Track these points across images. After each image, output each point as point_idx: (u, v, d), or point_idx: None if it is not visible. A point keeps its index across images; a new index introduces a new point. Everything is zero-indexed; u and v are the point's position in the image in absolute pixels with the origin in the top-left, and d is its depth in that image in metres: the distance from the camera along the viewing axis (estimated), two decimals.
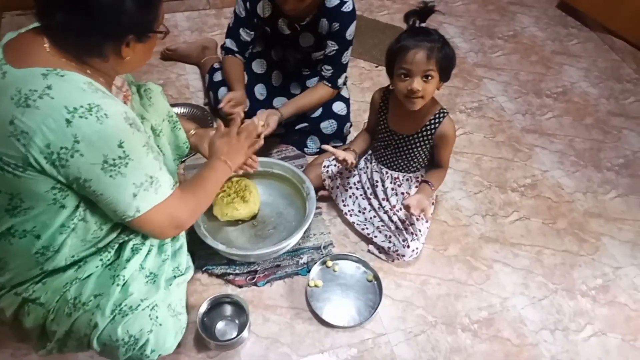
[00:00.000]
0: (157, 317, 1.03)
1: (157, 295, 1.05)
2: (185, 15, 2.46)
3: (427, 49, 1.26)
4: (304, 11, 1.57)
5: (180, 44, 2.19)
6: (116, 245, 1.07)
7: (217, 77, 1.90)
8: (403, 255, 1.51)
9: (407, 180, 1.56)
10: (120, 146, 0.88)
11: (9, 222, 0.92)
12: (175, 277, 1.13)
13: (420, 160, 1.52)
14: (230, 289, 1.47)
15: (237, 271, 1.50)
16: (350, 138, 1.89)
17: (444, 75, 1.33)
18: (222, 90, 1.86)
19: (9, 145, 0.84)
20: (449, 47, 1.31)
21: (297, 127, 1.84)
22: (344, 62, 1.71)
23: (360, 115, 2.03)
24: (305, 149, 1.89)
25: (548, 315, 1.47)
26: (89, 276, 1.03)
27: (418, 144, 1.48)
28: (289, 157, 1.86)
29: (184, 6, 2.48)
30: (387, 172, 1.58)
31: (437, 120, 1.43)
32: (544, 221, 1.73)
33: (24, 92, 0.84)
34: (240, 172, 1.45)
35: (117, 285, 1.01)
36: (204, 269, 1.50)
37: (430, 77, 1.30)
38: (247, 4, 1.66)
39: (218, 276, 1.49)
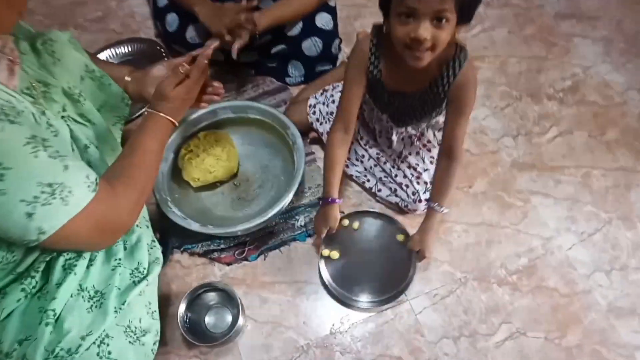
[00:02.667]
0: (109, 353, 0.79)
1: (105, 323, 0.80)
2: None
3: None
4: None
5: None
6: (42, 266, 0.81)
7: (162, 0, 1.49)
8: (415, 210, 1.23)
9: (418, 128, 1.19)
10: None
11: None
12: (135, 283, 0.87)
13: (435, 113, 1.10)
14: (217, 268, 1.24)
15: (222, 246, 1.25)
16: (341, 58, 1.52)
17: (465, 16, 0.85)
18: (171, 18, 1.45)
19: None
20: None
21: (274, 50, 1.46)
22: None
23: (350, 25, 1.62)
24: (287, 79, 1.52)
25: (601, 254, 1.22)
26: (10, 314, 0.79)
27: (430, 102, 1.05)
28: (268, 91, 1.51)
29: None
30: (392, 128, 1.19)
31: (452, 71, 0.97)
32: (590, 133, 1.40)
33: None
34: (203, 105, 1.10)
35: (47, 324, 0.76)
36: (182, 249, 1.25)
37: (444, 21, 0.82)
38: None
39: (201, 255, 1.25)
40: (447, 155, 1.06)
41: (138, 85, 1.08)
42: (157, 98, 0.94)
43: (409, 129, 1.19)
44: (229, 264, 1.24)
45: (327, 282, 1.19)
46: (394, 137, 1.21)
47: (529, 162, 1.35)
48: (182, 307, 1.09)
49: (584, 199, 1.29)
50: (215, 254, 1.24)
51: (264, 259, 1.24)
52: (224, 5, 1.29)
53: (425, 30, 0.83)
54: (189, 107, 1.01)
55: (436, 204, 1.09)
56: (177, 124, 0.95)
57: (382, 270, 1.20)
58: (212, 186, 1.31)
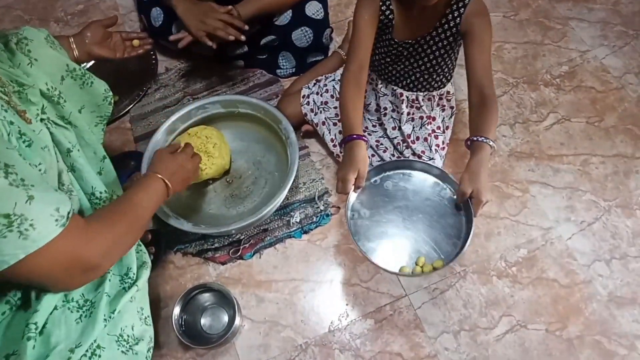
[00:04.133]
0: None
1: (95, 332, 0.76)
2: None
3: None
4: None
5: None
6: None
7: None
8: None
9: (428, 99, 1.15)
10: None
11: None
12: (125, 289, 0.84)
13: (446, 69, 1.08)
14: (211, 268, 1.21)
15: (216, 245, 1.22)
16: (332, 48, 1.48)
17: None
18: (156, 13, 1.41)
19: None
20: None
21: (263, 42, 1.42)
22: None
23: (341, 13, 1.58)
24: (278, 71, 1.48)
25: (601, 243, 1.20)
26: None
27: (439, 46, 1.02)
28: (259, 84, 1.47)
29: None
30: (401, 95, 1.15)
31: (461, 4, 0.95)
32: (588, 120, 1.37)
33: None
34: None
35: (29, 338, 0.71)
36: (175, 249, 1.22)
37: None
38: None
39: (194, 254, 1.22)
40: (479, 100, 0.96)
41: (82, 46, 1.06)
42: (154, 161, 0.97)
43: (420, 100, 1.15)
44: (223, 263, 1.21)
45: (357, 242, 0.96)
46: (404, 108, 1.17)
47: (526, 151, 1.33)
48: (176, 310, 1.07)
49: (583, 187, 1.27)
50: (210, 254, 1.21)
51: (260, 257, 1.22)
52: (203, 4, 1.25)
53: None
54: (188, 182, 1.03)
55: (482, 137, 0.92)
56: (169, 185, 0.92)
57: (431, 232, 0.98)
58: (204, 184, 1.28)
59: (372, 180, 1.04)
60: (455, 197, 0.99)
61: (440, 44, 1.03)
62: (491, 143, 0.93)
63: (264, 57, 1.47)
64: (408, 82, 1.14)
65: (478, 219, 1.23)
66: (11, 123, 0.71)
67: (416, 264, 0.96)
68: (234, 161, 1.31)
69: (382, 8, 1.01)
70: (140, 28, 1.57)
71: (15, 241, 0.61)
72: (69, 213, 0.68)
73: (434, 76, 1.10)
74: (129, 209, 0.82)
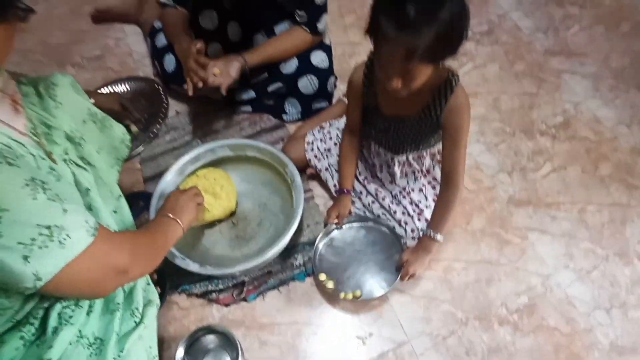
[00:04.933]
0: None
1: None
2: None
3: (407, 49, 0.82)
4: None
5: (113, 0, 1.76)
6: (40, 313, 0.79)
7: (161, 40, 1.51)
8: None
9: (419, 157, 1.20)
10: None
11: None
12: (134, 328, 0.86)
13: (432, 140, 1.13)
14: (215, 309, 1.22)
15: (220, 286, 1.23)
16: (336, 96, 1.54)
17: (437, 62, 0.89)
18: (169, 59, 1.48)
19: None
20: (455, 25, 0.83)
21: (270, 88, 1.48)
22: (320, 3, 1.32)
23: (346, 63, 1.65)
24: (284, 116, 1.54)
25: (600, 291, 1.22)
26: None
27: (426, 127, 1.08)
28: (265, 129, 1.52)
29: None
30: (392, 157, 1.21)
31: (443, 96, 1.00)
32: (584, 169, 1.42)
33: None
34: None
35: None
36: (180, 290, 1.23)
37: (413, 76, 0.89)
38: None
39: (199, 296, 1.23)
40: (446, 183, 1.10)
41: (105, 103, 1.16)
42: (166, 201, 1.05)
43: (411, 160, 1.20)
44: (227, 305, 1.22)
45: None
46: (396, 169, 1.22)
47: (524, 198, 1.37)
48: (180, 351, 1.07)
49: (581, 235, 1.30)
50: (214, 295, 1.23)
51: (263, 299, 1.23)
52: (189, 44, 1.30)
53: (395, 83, 0.90)
54: (194, 215, 1.06)
55: (431, 231, 1.13)
56: (180, 223, 0.99)
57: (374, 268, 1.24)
58: (210, 225, 1.30)
59: (348, 225, 1.30)
60: (387, 234, 1.27)
61: (424, 127, 1.08)
62: (438, 238, 1.13)
63: (271, 102, 1.53)
64: (397, 147, 1.18)
65: (480, 265, 1.26)
66: (43, 159, 0.76)
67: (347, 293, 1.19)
68: (240, 203, 1.34)
69: (366, 94, 1.09)
70: (152, 73, 1.64)
71: (55, 250, 0.66)
72: (96, 224, 0.73)
73: (423, 144, 1.15)
74: (146, 232, 0.93)
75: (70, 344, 0.78)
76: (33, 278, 0.66)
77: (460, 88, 1.00)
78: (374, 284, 1.21)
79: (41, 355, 0.76)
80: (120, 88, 1.58)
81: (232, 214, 1.32)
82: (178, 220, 0.99)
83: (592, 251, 1.28)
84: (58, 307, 0.80)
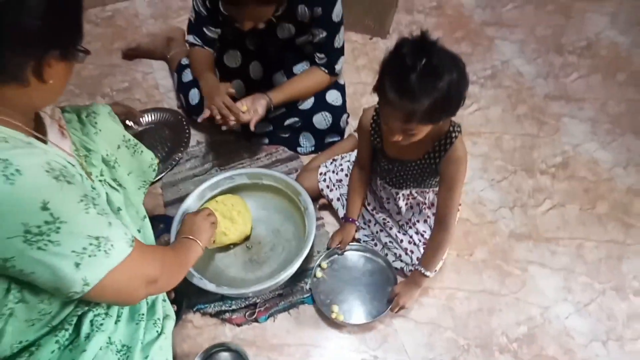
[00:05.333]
0: None
1: None
2: (145, 0, 2.16)
3: (406, 113, 0.94)
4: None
5: (142, 37, 1.90)
6: (74, 319, 0.86)
7: (187, 76, 1.63)
8: None
9: (422, 192, 1.29)
10: (44, 208, 0.67)
11: None
12: (156, 337, 0.93)
13: (434, 181, 1.21)
14: (227, 329, 1.28)
15: (233, 307, 1.30)
16: (348, 131, 1.64)
17: (441, 120, 1.00)
18: (194, 93, 1.60)
19: None
20: (453, 93, 0.93)
21: (287, 122, 1.59)
22: (338, 46, 1.44)
23: (357, 101, 1.77)
24: (299, 148, 1.64)
25: (597, 324, 1.27)
26: None
27: (426, 171, 1.17)
28: (280, 160, 1.62)
29: None
30: (397, 192, 1.29)
31: (443, 147, 1.09)
32: (582, 207, 1.49)
33: None
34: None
35: None
36: (195, 309, 1.30)
37: (413, 133, 1.00)
38: (207, 2, 1.39)
39: (212, 315, 1.29)
40: (439, 225, 1.18)
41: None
42: (183, 224, 1.15)
43: (414, 193, 1.28)
44: (239, 325, 1.28)
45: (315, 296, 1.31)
46: (401, 202, 1.30)
47: (525, 233, 1.43)
48: None
49: (579, 269, 1.36)
50: (227, 315, 1.29)
51: (274, 321, 1.29)
52: (218, 85, 1.40)
53: (396, 137, 1.01)
54: (210, 234, 1.16)
55: (422, 268, 1.21)
56: (199, 242, 1.08)
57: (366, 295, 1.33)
58: (225, 247, 1.38)
59: (349, 252, 1.40)
60: (384, 267, 1.35)
61: (424, 171, 1.17)
62: (428, 275, 1.21)
63: (287, 135, 1.64)
64: (400, 185, 1.26)
65: (482, 295, 1.31)
66: (85, 179, 0.85)
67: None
68: (255, 228, 1.42)
69: (372, 137, 1.21)
70: (177, 105, 1.76)
71: (102, 259, 0.74)
72: (132, 236, 0.81)
73: (424, 184, 1.23)
74: (170, 248, 1.01)
75: (101, 349, 0.85)
76: (82, 283, 0.73)
77: (460, 141, 1.09)
78: (364, 310, 1.29)
79: (75, 358, 0.82)
80: (146, 118, 1.69)
81: (247, 238, 1.40)
82: (197, 241, 1.07)
83: (589, 285, 1.33)
84: (90, 315, 0.87)
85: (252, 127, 1.37)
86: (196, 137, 1.67)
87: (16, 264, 0.68)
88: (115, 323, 0.89)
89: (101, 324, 0.86)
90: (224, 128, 1.39)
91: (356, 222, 1.37)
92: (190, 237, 1.08)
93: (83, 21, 0.78)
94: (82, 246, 0.72)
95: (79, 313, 0.87)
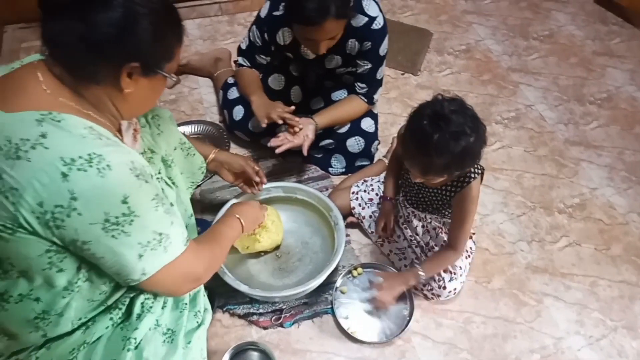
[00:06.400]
0: None
1: (176, 356, 0.92)
2: (196, 22, 2.33)
3: (423, 166, 1.08)
4: None
5: (192, 55, 2.05)
6: (127, 300, 0.95)
7: (232, 94, 1.76)
8: (439, 296, 1.36)
9: (435, 218, 1.38)
10: (124, 202, 0.76)
11: (1, 287, 0.80)
12: (197, 327, 1.00)
13: (447, 213, 1.32)
14: (254, 331, 1.34)
15: (261, 310, 1.37)
16: (377, 156, 1.74)
17: (457, 173, 1.12)
18: (238, 109, 1.72)
19: None
20: (468, 154, 1.04)
21: (321, 143, 1.70)
22: (379, 78, 1.56)
23: (387, 130, 1.88)
24: (330, 169, 1.74)
25: (608, 358, 1.31)
26: (98, 339, 0.91)
27: (440, 200, 1.28)
28: (312, 178, 1.72)
29: (194, 13, 2.34)
30: (413, 212, 1.40)
31: (460, 184, 1.20)
32: (597, 247, 1.56)
33: (14, 142, 0.72)
34: (253, 191, 1.42)
35: (129, 350, 0.88)
36: (224, 309, 1.37)
37: (431, 180, 1.14)
38: (265, 35, 1.53)
39: (240, 316, 1.36)
40: (449, 246, 1.29)
41: (217, 167, 1.36)
42: (238, 206, 1.25)
43: (429, 218, 1.37)
44: (265, 328, 1.35)
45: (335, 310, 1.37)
46: (416, 222, 1.40)
47: (541, 267, 1.50)
48: (225, 358, 1.19)
49: (592, 305, 1.42)
50: (254, 317, 1.36)
51: (298, 327, 1.35)
52: (275, 102, 1.53)
53: (416, 179, 1.14)
54: (256, 222, 1.31)
55: (420, 268, 1.28)
56: (243, 224, 1.18)
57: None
58: (256, 254, 1.46)
59: (369, 270, 1.46)
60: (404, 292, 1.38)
61: (440, 201, 1.28)
62: (422, 275, 1.28)
63: (320, 156, 1.74)
64: (418, 205, 1.36)
65: (498, 321, 1.37)
66: (155, 178, 0.95)
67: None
68: (285, 239, 1.50)
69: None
70: (219, 120, 1.88)
71: (161, 253, 0.82)
72: (187, 237, 0.89)
73: (437, 212, 1.33)
74: (218, 238, 1.08)
75: (150, 329, 0.93)
76: (140, 272, 0.82)
77: (477, 182, 1.19)
78: (378, 328, 1.35)
79: (127, 335, 0.90)
80: (189, 129, 1.81)
81: (277, 247, 1.48)
82: (241, 221, 1.17)
83: (602, 321, 1.39)
84: (141, 297, 0.95)
85: (304, 152, 1.48)
86: (235, 150, 1.79)
87: (91, 248, 0.76)
88: (162, 308, 0.97)
89: (150, 307, 0.94)
90: (278, 150, 1.47)
91: (392, 201, 1.43)
92: (237, 215, 1.17)
93: (175, 48, 0.85)
94: (147, 240, 0.80)
95: (131, 295, 0.95)
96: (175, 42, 0.87)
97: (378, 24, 1.43)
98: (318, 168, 1.75)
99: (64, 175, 0.71)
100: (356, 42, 1.46)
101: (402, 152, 1.14)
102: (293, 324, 1.36)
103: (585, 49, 2.31)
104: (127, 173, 0.77)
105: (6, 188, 0.70)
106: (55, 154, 0.71)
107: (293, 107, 1.49)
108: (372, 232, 1.50)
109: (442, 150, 1.02)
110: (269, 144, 1.49)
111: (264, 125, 1.46)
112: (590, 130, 1.94)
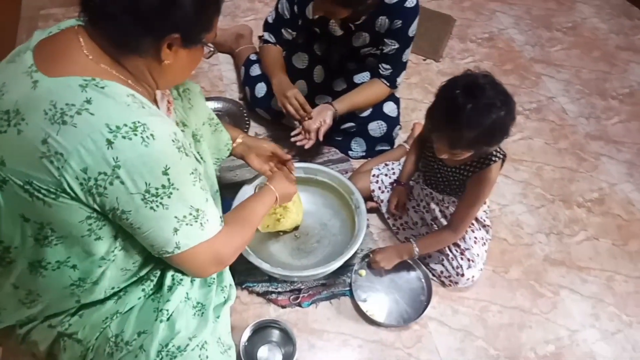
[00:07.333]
0: (207, 357, 0.90)
1: (206, 329, 0.92)
2: None
3: (452, 139, 1.07)
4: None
5: None
6: (158, 272, 0.95)
7: (255, 70, 1.74)
8: (456, 283, 1.37)
9: (453, 202, 1.38)
10: (165, 173, 0.76)
11: (39, 253, 0.80)
12: (224, 302, 1.01)
13: (460, 192, 1.31)
14: (272, 309, 1.35)
15: (279, 289, 1.37)
16: (398, 141, 1.73)
17: (485, 149, 1.12)
18: (260, 86, 1.70)
19: (41, 168, 0.71)
20: (497, 129, 1.04)
21: (343, 126, 1.68)
22: (405, 61, 1.54)
23: (408, 115, 1.86)
24: (350, 152, 1.73)
25: (623, 353, 1.33)
26: (130, 309, 0.91)
27: (457, 180, 1.27)
28: (331, 160, 1.71)
29: None
30: (431, 193, 1.41)
31: (478, 165, 1.19)
32: (614, 242, 1.56)
33: (59, 107, 0.71)
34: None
35: (161, 321, 0.88)
36: (244, 286, 1.38)
37: (457, 155, 1.13)
38: (295, 7, 1.50)
39: (259, 294, 1.37)
40: (450, 226, 1.30)
41: (244, 151, 1.34)
42: (274, 178, 1.25)
43: (447, 203, 1.37)
44: (283, 307, 1.35)
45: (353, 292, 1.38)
46: (433, 205, 1.40)
47: (559, 259, 1.51)
48: (245, 334, 1.21)
49: (607, 299, 1.43)
50: (273, 296, 1.36)
51: (316, 308, 1.36)
52: (290, 84, 1.52)
53: (442, 154, 1.14)
54: (287, 200, 1.31)
55: (416, 244, 1.32)
56: (278, 199, 1.19)
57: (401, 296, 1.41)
58: (276, 234, 1.46)
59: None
60: (421, 278, 1.42)
61: (456, 180, 1.28)
62: (416, 251, 1.32)
63: (340, 139, 1.73)
64: (434, 185, 1.37)
65: (513, 311, 1.38)
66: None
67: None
68: (304, 220, 1.50)
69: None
70: (239, 97, 1.86)
71: (197, 229, 0.82)
72: (222, 216, 0.89)
73: (452, 193, 1.33)
74: (250, 217, 1.07)
75: (181, 301, 0.93)
76: (174, 246, 0.82)
77: (496, 166, 1.18)
78: (396, 312, 1.36)
79: (159, 307, 0.90)
80: (209, 105, 1.79)
81: (296, 228, 1.48)
82: (277, 196, 1.18)
83: (617, 316, 1.40)
84: (171, 270, 0.95)
85: (320, 137, 1.48)
86: (255, 129, 1.77)
87: (130, 217, 0.76)
88: (192, 282, 0.97)
89: (181, 279, 0.94)
90: (307, 146, 1.50)
91: (406, 186, 1.44)
92: (272, 187, 1.18)
93: (214, 19, 0.83)
94: (184, 214, 0.80)
95: (162, 267, 0.95)
96: (215, 12, 0.85)
97: (411, 2, 1.41)
98: (338, 151, 1.74)
99: (109, 142, 0.70)
100: (386, 20, 1.44)
101: (430, 125, 1.13)
102: (311, 304, 1.37)
103: (608, 43, 2.28)
104: (169, 144, 0.76)
105: (51, 152, 0.70)
106: (101, 121, 0.71)
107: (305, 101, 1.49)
108: (392, 216, 1.50)
109: (473, 122, 1.02)
110: (293, 140, 1.52)
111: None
112: (611, 125, 1.92)
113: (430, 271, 1.42)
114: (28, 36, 0.84)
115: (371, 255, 1.39)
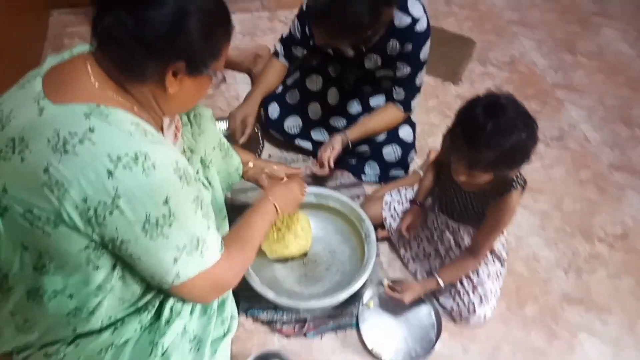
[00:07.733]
0: None
1: None
2: (236, 17, 2.24)
3: (470, 160, 1.04)
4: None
5: (230, 50, 1.99)
6: (157, 303, 0.93)
7: None
8: (467, 320, 1.32)
9: (468, 232, 1.34)
10: (165, 203, 0.75)
11: (37, 281, 0.79)
12: (223, 336, 0.98)
13: (478, 220, 1.27)
14: (276, 338, 1.32)
15: (284, 318, 1.34)
16: (412, 167, 1.69)
17: (505, 172, 1.08)
18: (273, 107, 1.69)
19: (41, 197, 0.71)
20: (518, 151, 1.01)
21: (357, 150, 1.66)
22: (418, 84, 1.51)
23: (424, 140, 1.82)
24: (362, 176, 1.70)
25: None
26: (126, 342, 0.89)
27: (475, 207, 1.24)
28: (344, 185, 1.68)
29: (235, 7, 2.31)
30: (446, 221, 1.37)
31: (499, 192, 1.14)
32: (638, 282, 1.49)
33: (62, 135, 0.71)
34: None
35: (155, 356, 0.86)
36: (248, 313, 1.35)
37: (476, 177, 1.08)
38: (306, 28, 1.50)
39: (264, 322, 1.34)
40: (470, 253, 1.26)
41: (256, 174, 1.32)
42: (270, 188, 1.20)
43: (463, 233, 1.32)
44: (288, 336, 1.32)
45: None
46: (449, 235, 1.35)
47: (577, 297, 1.44)
48: None
49: (630, 345, 1.35)
50: (278, 325, 1.33)
51: (321, 338, 1.33)
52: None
53: (460, 175, 1.09)
54: (292, 205, 1.23)
55: (439, 276, 1.27)
56: (278, 208, 1.13)
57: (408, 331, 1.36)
58: (283, 260, 1.43)
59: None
60: (431, 314, 1.37)
61: (474, 208, 1.24)
62: (441, 284, 1.27)
63: (353, 162, 1.70)
64: (450, 212, 1.33)
65: (528, 352, 1.32)
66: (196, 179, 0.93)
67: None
68: (313, 246, 1.47)
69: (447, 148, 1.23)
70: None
71: (196, 258, 0.81)
72: (222, 242, 0.87)
73: (469, 221, 1.29)
74: (250, 234, 1.02)
75: (177, 335, 0.91)
76: (174, 276, 0.80)
77: (517, 193, 1.13)
78: (403, 349, 1.31)
79: (155, 340, 0.88)
80: (225, 125, 1.78)
81: (305, 254, 1.45)
82: (277, 208, 1.12)
83: None
84: (171, 301, 0.93)
85: (331, 164, 1.47)
86: (268, 151, 1.76)
87: (129, 248, 0.75)
88: (191, 313, 0.95)
89: (180, 311, 0.92)
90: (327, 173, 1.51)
91: (422, 207, 1.39)
92: (271, 198, 1.12)
93: (222, 46, 0.83)
94: (184, 243, 0.79)
95: (161, 298, 0.93)
96: (224, 40, 0.84)
97: (422, 26, 1.39)
98: (350, 175, 1.71)
99: (110, 172, 0.70)
100: (397, 43, 1.42)
101: (449, 144, 1.09)
102: (316, 334, 1.33)
103: (633, 68, 2.21)
104: (171, 173, 0.75)
105: (52, 181, 0.70)
106: (102, 151, 0.70)
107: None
108: (403, 246, 1.46)
109: (493, 142, 0.98)
110: (314, 170, 1.54)
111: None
112: (636, 155, 1.85)
113: (440, 305, 1.37)
114: (54, 53, 0.85)
115: (389, 283, 1.33)
